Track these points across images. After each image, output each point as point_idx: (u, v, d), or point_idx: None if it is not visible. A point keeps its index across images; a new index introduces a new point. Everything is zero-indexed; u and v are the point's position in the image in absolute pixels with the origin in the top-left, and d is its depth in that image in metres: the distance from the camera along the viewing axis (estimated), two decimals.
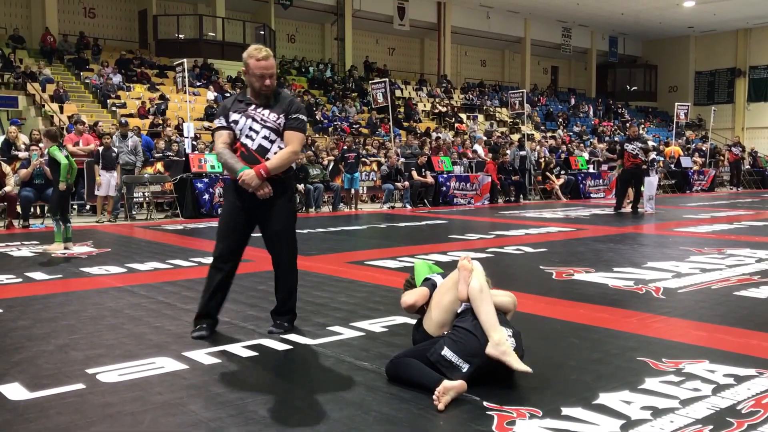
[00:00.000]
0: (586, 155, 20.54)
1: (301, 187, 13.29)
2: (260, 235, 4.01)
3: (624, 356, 3.50)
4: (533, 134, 24.03)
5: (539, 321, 4.26)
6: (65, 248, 7.66)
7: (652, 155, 13.78)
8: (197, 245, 8.20)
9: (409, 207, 14.68)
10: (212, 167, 12.57)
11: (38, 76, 18.58)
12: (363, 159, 15.91)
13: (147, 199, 12.79)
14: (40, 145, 10.96)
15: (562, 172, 18.29)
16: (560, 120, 29.84)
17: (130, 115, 17.30)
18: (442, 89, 29.13)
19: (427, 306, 3.34)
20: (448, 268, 3.67)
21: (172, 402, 2.88)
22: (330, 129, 20.71)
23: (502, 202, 16.35)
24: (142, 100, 18.88)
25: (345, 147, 15.03)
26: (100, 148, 11.72)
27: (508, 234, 9.29)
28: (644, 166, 13.18)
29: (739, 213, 12.91)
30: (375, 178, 16.10)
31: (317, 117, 21.56)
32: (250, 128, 3.86)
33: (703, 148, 24.78)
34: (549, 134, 25.94)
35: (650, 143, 16.03)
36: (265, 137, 3.86)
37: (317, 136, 19.97)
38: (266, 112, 3.87)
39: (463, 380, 2.90)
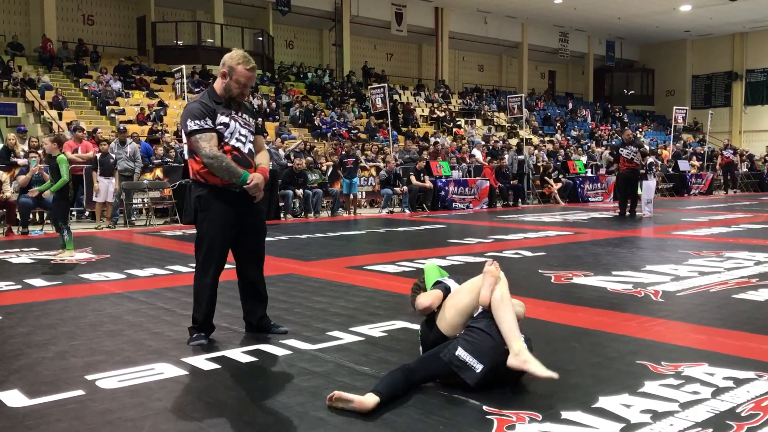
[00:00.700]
0: (584, 159, 20.58)
1: (300, 192, 13.33)
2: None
3: (623, 360, 3.50)
4: (531, 138, 24.07)
5: (538, 325, 4.25)
6: (60, 255, 7.67)
7: (650, 159, 13.80)
8: None
9: (407, 212, 14.68)
10: None
11: (37, 83, 18.58)
12: (361, 164, 15.93)
13: (146, 205, 12.80)
14: (39, 152, 10.97)
15: (561, 176, 18.34)
16: (558, 124, 29.88)
17: (129, 122, 17.30)
18: (440, 94, 29.18)
19: (439, 308, 3.34)
20: (448, 271, 3.67)
21: (171, 408, 2.88)
22: (328, 134, 20.72)
23: (501, 207, 16.37)
24: (141, 106, 18.88)
25: (344, 152, 15.04)
26: (98, 155, 11.75)
27: (507, 238, 9.29)
28: (642, 170, 13.20)
29: (737, 216, 12.93)
30: (374, 183, 16.12)
31: (316, 122, 21.58)
32: (240, 132, 3.88)
33: (701, 152, 24.82)
34: (547, 138, 26.00)
35: (645, 147, 16.08)
36: (251, 141, 3.94)
37: (316, 141, 19.99)
38: (245, 116, 3.94)
39: (475, 382, 2.91)
